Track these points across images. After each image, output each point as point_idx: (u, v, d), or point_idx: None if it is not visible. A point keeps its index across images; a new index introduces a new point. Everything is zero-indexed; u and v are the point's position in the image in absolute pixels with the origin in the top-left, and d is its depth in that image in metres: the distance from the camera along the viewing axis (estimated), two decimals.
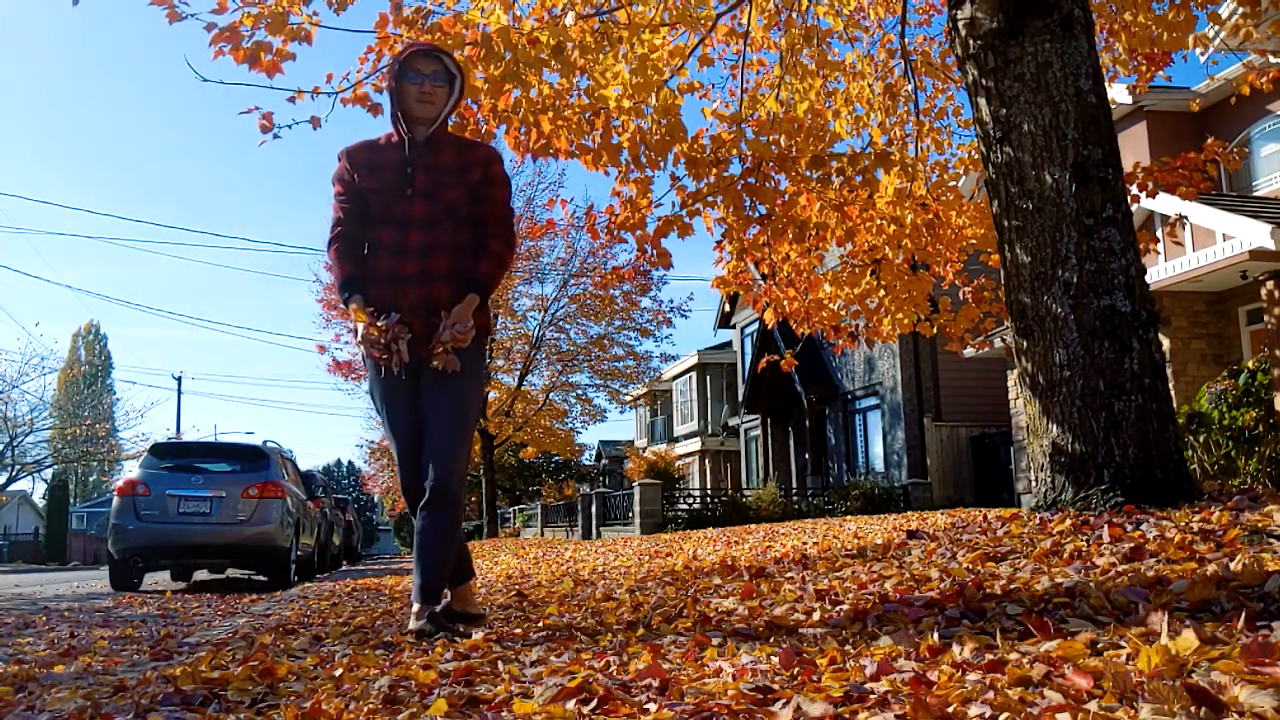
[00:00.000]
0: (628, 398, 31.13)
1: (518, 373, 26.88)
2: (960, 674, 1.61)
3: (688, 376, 32.33)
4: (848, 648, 2.02)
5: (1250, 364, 7.92)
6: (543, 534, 26.59)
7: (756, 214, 5.95)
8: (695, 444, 30.98)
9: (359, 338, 2.94)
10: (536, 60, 4.78)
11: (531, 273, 25.72)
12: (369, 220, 3.08)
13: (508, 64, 4.65)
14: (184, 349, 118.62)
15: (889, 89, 7.02)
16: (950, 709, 1.39)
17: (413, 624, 2.86)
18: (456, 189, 3.02)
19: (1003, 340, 12.81)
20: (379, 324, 2.88)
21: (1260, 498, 3.51)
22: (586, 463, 38.84)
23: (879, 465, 19.26)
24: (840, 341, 7.47)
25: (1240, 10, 5.98)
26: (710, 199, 5.70)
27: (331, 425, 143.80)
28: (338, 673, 2.21)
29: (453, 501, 2.95)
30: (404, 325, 2.90)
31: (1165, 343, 11.38)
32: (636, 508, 19.20)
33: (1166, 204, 10.46)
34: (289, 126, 4.82)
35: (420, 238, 3.00)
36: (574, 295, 25.94)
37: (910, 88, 6.96)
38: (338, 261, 3.09)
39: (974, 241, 6.82)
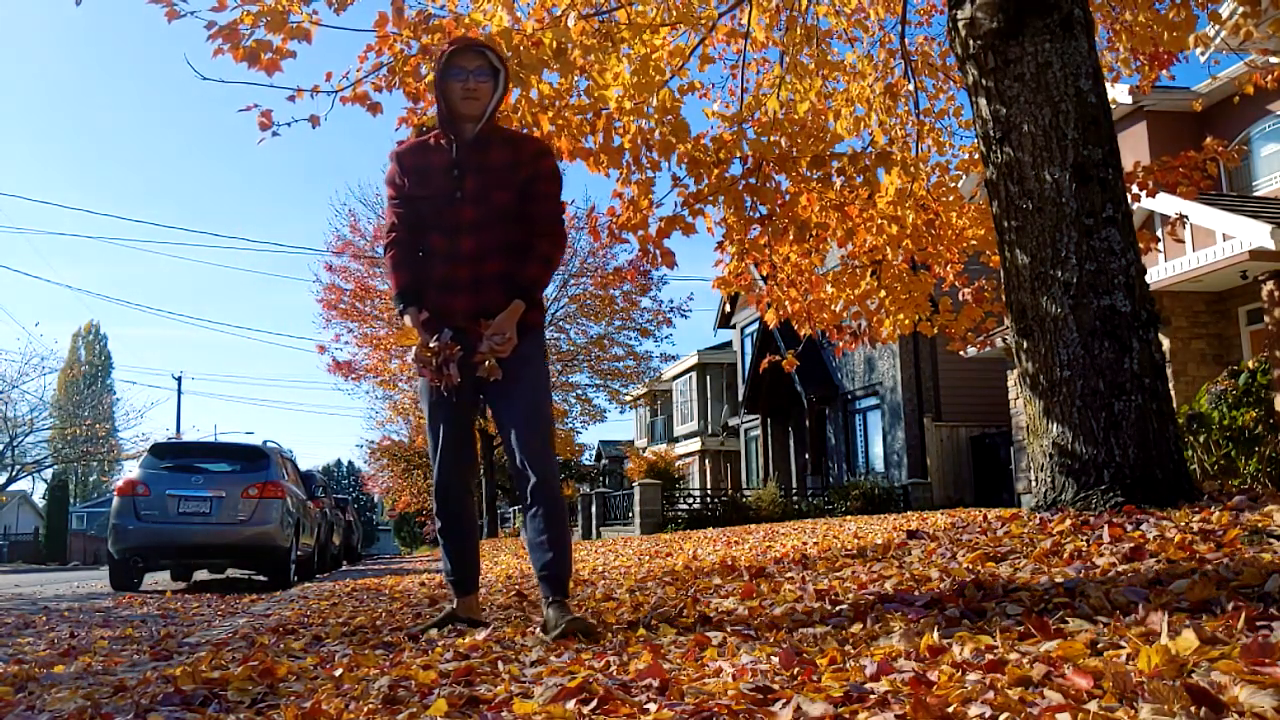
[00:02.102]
0: (628, 398, 31.11)
1: None
2: (960, 674, 1.61)
3: (688, 376, 32.33)
4: (848, 648, 2.02)
5: (1250, 364, 7.91)
6: None
7: (757, 214, 5.95)
8: (695, 444, 30.97)
9: (412, 356, 2.90)
10: (539, 61, 4.78)
11: None
12: (423, 225, 3.01)
13: (509, 65, 4.65)
14: (184, 349, 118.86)
15: (889, 89, 7.02)
16: (950, 709, 1.39)
17: (551, 616, 2.78)
18: (505, 190, 2.94)
19: (1003, 340, 12.81)
20: (431, 344, 2.82)
21: (1260, 498, 3.51)
22: (586, 463, 38.84)
23: (879, 465, 19.26)
24: (842, 343, 7.47)
25: (1240, 10, 5.98)
26: (711, 199, 5.70)
27: (331, 425, 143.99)
28: (338, 673, 2.21)
29: (555, 495, 2.91)
30: (456, 344, 2.82)
31: (1165, 343, 11.38)
32: (636, 508, 19.20)
33: (1166, 204, 10.46)
34: (288, 124, 4.83)
35: (472, 243, 2.92)
36: (574, 295, 25.92)
37: (910, 88, 6.96)
38: (392, 270, 3.03)
39: (974, 242, 6.82)
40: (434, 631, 3.01)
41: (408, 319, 2.94)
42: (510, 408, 2.92)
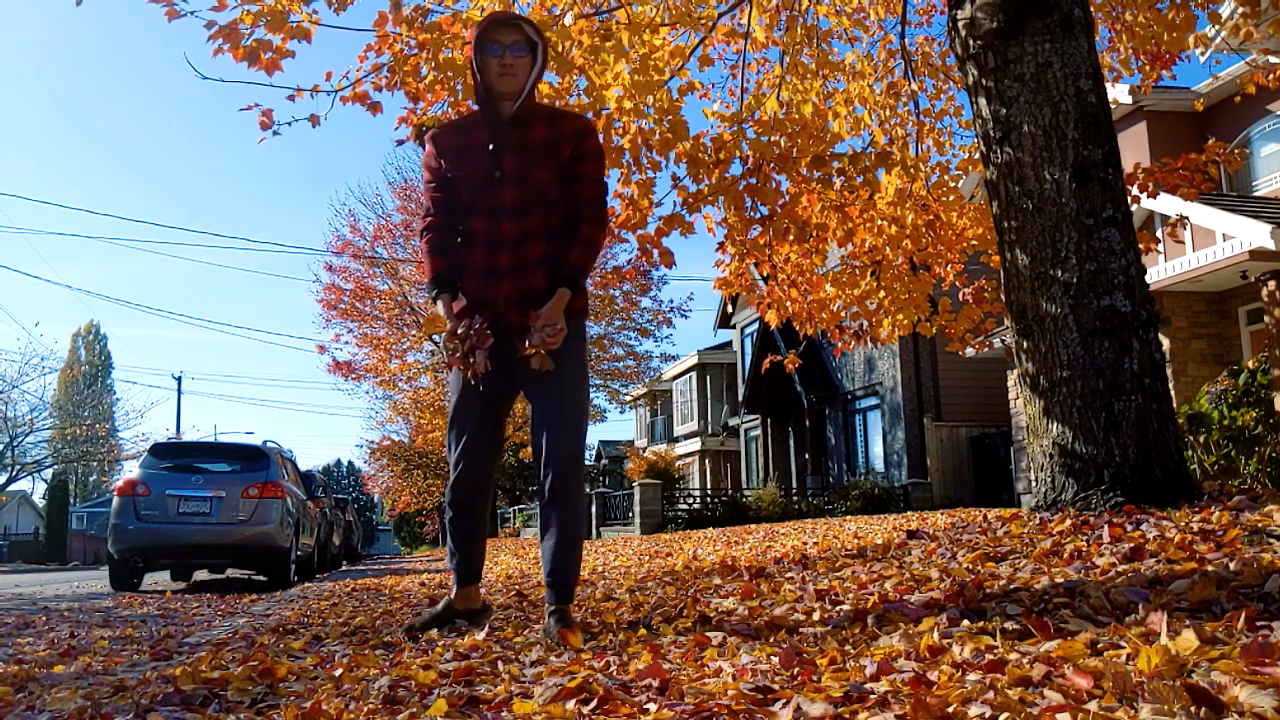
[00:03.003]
0: (628, 398, 31.14)
1: None
2: (960, 674, 1.61)
3: (688, 376, 32.33)
4: (848, 648, 2.02)
5: (1250, 364, 7.91)
6: None
7: (758, 215, 5.95)
8: (695, 444, 30.97)
9: (443, 341, 2.85)
10: None
11: None
12: (461, 209, 2.93)
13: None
14: (184, 349, 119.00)
15: (889, 89, 7.02)
16: (950, 709, 1.39)
17: (553, 628, 2.71)
18: (546, 169, 2.84)
19: (1003, 340, 12.81)
20: (460, 331, 2.75)
21: (1260, 498, 3.51)
22: (586, 463, 38.76)
23: (879, 465, 19.26)
24: (842, 343, 7.47)
25: (1240, 10, 5.98)
26: (711, 199, 5.70)
27: (331, 425, 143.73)
28: (338, 673, 2.21)
29: (574, 499, 2.81)
30: (486, 332, 2.74)
31: (1165, 343, 11.38)
32: (636, 508, 19.20)
33: (1167, 204, 10.46)
34: (288, 124, 4.83)
35: (513, 226, 2.83)
36: None
37: (910, 88, 6.96)
38: (428, 256, 2.94)
39: (974, 242, 6.82)
40: (434, 631, 3.01)
41: (439, 305, 2.87)
42: (543, 402, 2.83)
